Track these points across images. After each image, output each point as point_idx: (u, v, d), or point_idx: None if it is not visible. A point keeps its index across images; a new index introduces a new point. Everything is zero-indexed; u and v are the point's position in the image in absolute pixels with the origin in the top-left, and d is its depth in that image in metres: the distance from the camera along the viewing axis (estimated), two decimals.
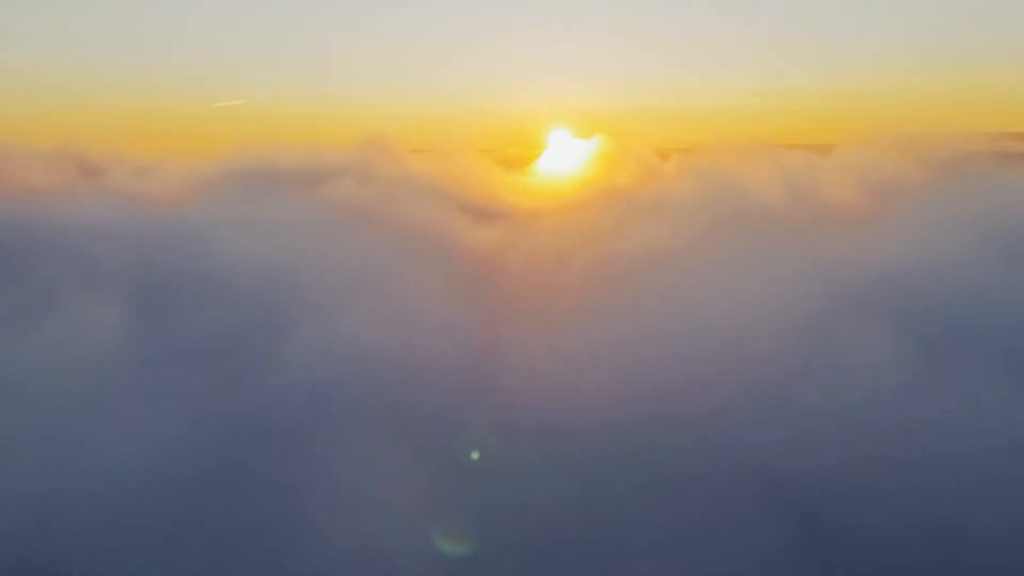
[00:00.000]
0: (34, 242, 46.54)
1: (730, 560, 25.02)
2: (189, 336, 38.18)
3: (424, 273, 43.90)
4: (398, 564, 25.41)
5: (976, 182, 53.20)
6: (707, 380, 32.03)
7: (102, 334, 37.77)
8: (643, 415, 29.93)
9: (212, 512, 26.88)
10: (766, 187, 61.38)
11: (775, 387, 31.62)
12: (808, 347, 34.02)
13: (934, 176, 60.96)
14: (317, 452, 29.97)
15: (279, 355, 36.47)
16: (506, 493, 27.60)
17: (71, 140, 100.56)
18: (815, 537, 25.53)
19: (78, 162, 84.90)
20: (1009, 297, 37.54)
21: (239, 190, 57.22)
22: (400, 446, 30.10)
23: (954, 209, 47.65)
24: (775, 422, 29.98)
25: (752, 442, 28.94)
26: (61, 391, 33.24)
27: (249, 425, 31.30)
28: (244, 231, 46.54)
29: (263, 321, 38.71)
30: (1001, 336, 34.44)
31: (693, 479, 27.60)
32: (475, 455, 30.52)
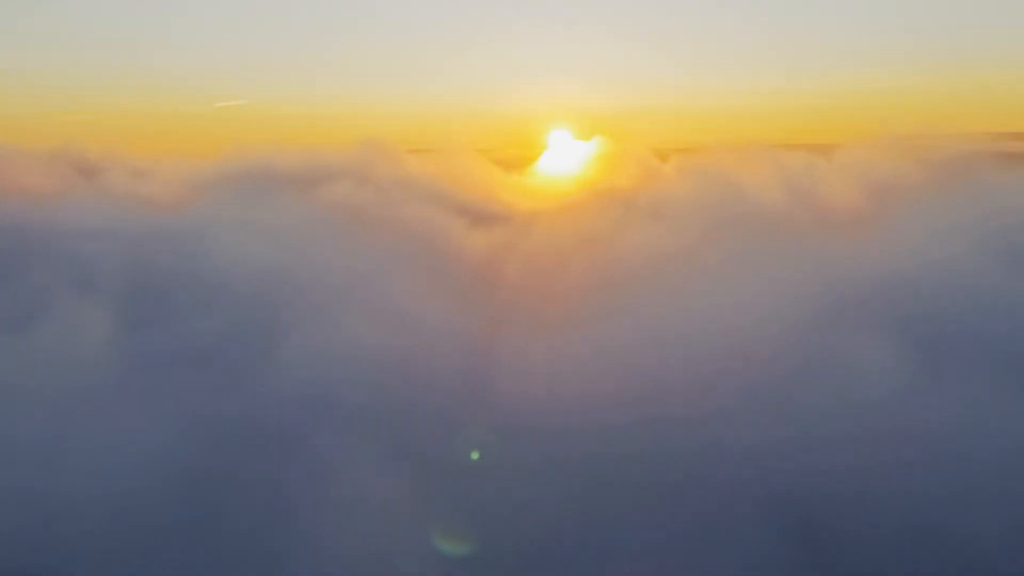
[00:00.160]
0: (30, 244, 46.42)
1: (728, 563, 24.95)
2: (185, 339, 38.09)
3: (422, 276, 43.83)
4: (397, 566, 25.31)
5: (977, 183, 53.15)
6: (707, 383, 31.96)
7: (97, 337, 37.63)
8: (643, 418, 29.79)
9: (209, 516, 26.79)
10: (766, 188, 61.31)
11: (776, 390, 31.52)
12: (809, 349, 33.90)
13: (935, 177, 60.89)
14: (315, 455, 29.89)
15: (276, 358, 36.38)
16: (505, 495, 27.51)
17: (70, 141, 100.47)
18: (814, 541, 25.44)
19: (76, 163, 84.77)
20: (1011, 299, 37.41)
21: (237, 192, 57.08)
22: (398, 449, 30.09)
23: (956, 211, 47.57)
24: (775, 425, 29.88)
25: (752, 445, 28.82)
26: (56, 394, 33.16)
27: (247, 427, 31.16)
28: (241, 233, 46.41)
29: (260, 324, 38.61)
30: (1003, 339, 34.32)
31: (692, 482, 27.51)
32: (475, 455, 30.51)
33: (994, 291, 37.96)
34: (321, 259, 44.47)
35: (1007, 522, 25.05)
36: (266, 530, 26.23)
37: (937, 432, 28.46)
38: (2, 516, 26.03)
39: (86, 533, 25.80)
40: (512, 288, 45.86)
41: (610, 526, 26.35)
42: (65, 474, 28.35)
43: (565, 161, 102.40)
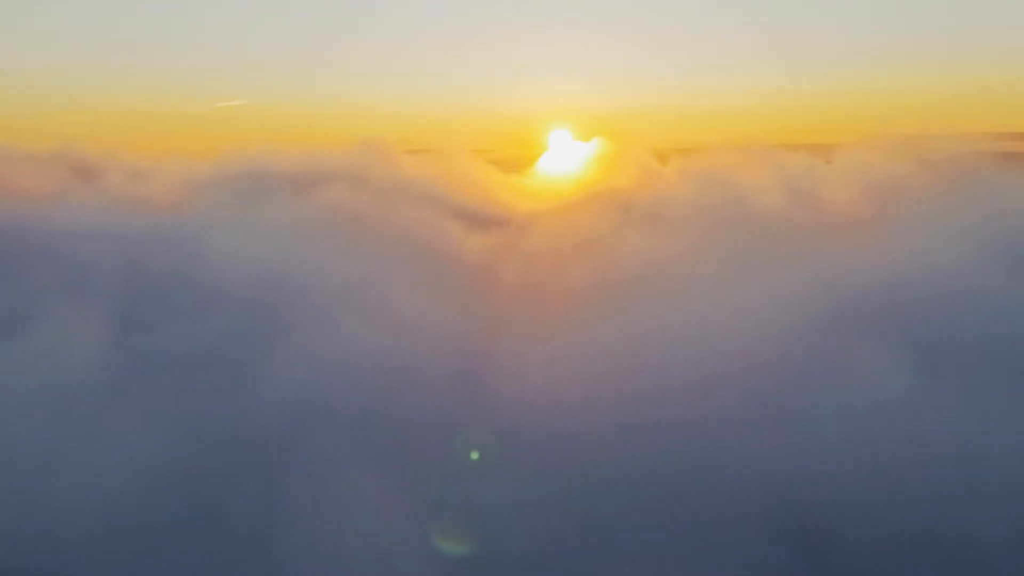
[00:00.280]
0: (26, 246, 46.29)
1: (727, 566, 25.01)
2: (180, 342, 37.92)
3: (420, 278, 43.71)
4: (395, 569, 25.39)
5: (978, 183, 53.01)
6: (707, 386, 31.82)
7: (93, 339, 37.49)
8: (642, 421, 29.68)
9: (207, 518, 26.76)
10: (766, 190, 61.20)
11: (776, 394, 31.39)
12: (809, 352, 33.74)
13: (936, 178, 60.85)
14: (313, 458, 29.79)
15: (273, 361, 36.22)
16: (503, 499, 27.48)
17: (69, 141, 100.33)
18: (813, 545, 25.45)
19: (75, 164, 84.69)
20: (1012, 301, 37.23)
21: (234, 194, 56.96)
22: (396, 452, 30.05)
23: (956, 212, 47.45)
24: (775, 429, 29.76)
25: (752, 448, 28.72)
26: (54, 396, 33.09)
27: (244, 430, 31.06)
28: (238, 236, 46.28)
29: (256, 328, 38.47)
30: (1005, 341, 34.13)
31: (691, 485, 27.42)
32: (474, 455, 30.55)
33: (995, 293, 37.78)
34: (319, 262, 44.34)
35: (1009, 526, 24.94)
36: (263, 533, 26.18)
37: (938, 436, 28.34)
38: None
39: (79, 537, 25.75)
40: (511, 291, 45.78)
41: (609, 530, 26.33)
42: (59, 477, 28.22)
43: (565, 162, 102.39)
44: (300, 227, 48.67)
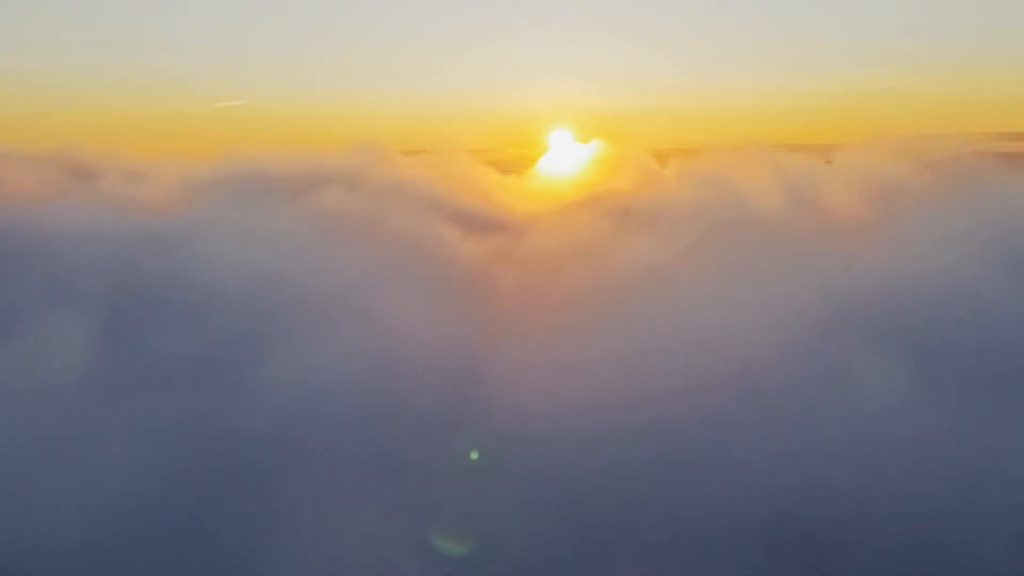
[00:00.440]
0: (20, 248, 46.08)
1: (724, 571, 24.96)
2: (173, 346, 37.70)
3: (417, 283, 43.55)
4: (394, 571, 25.40)
5: (979, 184, 52.85)
6: (707, 390, 31.67)
7: (86, 343, 37.29)
8: (642, 425, 29.60)
9: (204, 520, 26.89)
10: (766, 192, 60.99)
11: (776, 399, 31.20)
12: (809, 355, 33.55)
13: (936, 178, 60.80)
14: (309, 462, 29.76)
15: (268, 366, 36.06)
16: (501, 503, 27.55)
17: (67, 142, 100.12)
18: (811, 551, 25.42)
19: (72, 165, 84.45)
20: (1013, 304, 36.99)
21: (230, 197, 56.77)
22: (393, 458, 29.93)
23: (956, 213, 47.29)
24: (775, 434, 29.64)
25: (751, 453, 28.63)
26: (41, 401, 33.02)
27: (240, 433, 31.08)
28: (233, 239, 46.11)
29: (251, 331, 38.32)
30: (1006, 345, 33.91)
31: (690, 489, 27.37)
32: (474, 455, 30.49)
33: (995, 295, 37.58)
34: (316, 265, 44.18)
35: (1010, 533, 24.71)
36: (261, 536, 26.21)
37: (939, 441, 28.16)
38: None
39: (72, 539, 25.63)
40: (509, 294, 45.66)
41: (607, 535, 26.32)
42: (55, 478, 28.21)
43: (564, 163, 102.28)
44: (297, 230, 48.54)
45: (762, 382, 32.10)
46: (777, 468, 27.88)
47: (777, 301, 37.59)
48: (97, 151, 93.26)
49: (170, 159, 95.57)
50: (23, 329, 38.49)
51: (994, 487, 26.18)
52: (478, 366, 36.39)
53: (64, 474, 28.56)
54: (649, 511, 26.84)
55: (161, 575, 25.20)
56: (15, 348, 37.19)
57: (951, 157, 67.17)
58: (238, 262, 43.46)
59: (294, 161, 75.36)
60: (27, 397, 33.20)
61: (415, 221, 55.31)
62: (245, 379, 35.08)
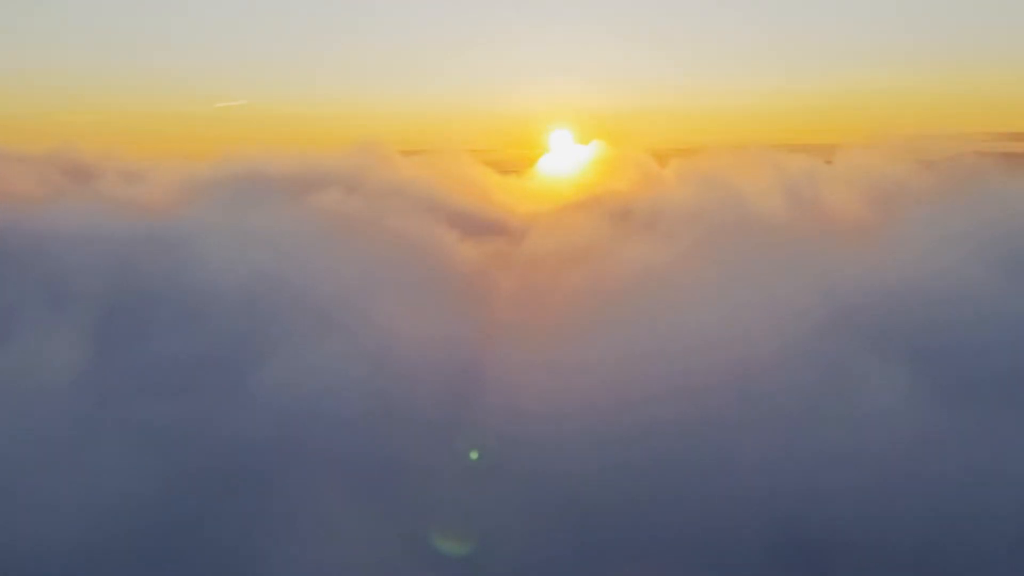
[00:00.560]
0: (17, 249, 45.94)
1: (723, 572, 24.84)
2: (170, 348, 37.57)
3: (416, 285, 43.41)
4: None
5: (979, 185, 52.76)
6: (707, 393, 31.50)
7: (82, 345, 37.19)
8: (642, 428, 29.45)
9: (202, 521, 26.75)
10: (766, 193, 60.85)
11: (776, 402, 31.06)
12: (809, 357, 33.41)
13: (936, 179, 60.75)
14: (306, 465, 29.56)
15: (265, 367, 35.92)
16: (499, 507, 27.37)
17: (65, 143, 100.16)
18: (810, 554, 25.28)
19: (71, 165, 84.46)
20: (1014, 306, 36.85)
21: (228, 198, 56.61)
22: (390, 460, 29.76)
23: (957, 213, 47.17)
24: (775, 438, 29.47)
25: (750, 456, 28.43)
26: (37, 403, 32.91)
27: (236, 435, 31.02)
28: (231, 241, 45.96)
29: (248, 333, 38.18)
30: (1007, 346, 33.76)
31: (689, 492, 27.18)
32: (474, 455, 30.38)
33: (996, 296, 37.46)
34: (314, 267, 44.02)
35: (1012, 536, 24.61)
36: (259, 537, 26.08)
37: (939, 442, 28.03)
38: None
39: (66, 540, 25.43)
40: (508, 297, 45.54)
41: (605, 538, 26.16)
42: (51, 480, 28.06)
43: (563, 164, 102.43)
44: (296, 231, 48.38)
45: (762, 383, 31.95)
46: (777, 470, 27.75)
47: (777, 302, 37.45)
48: (96, 151, 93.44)
49: (170, 159, 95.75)
50: (21, 330, 38.39)
51: (996, 489, 26.03)
52: (477, 367, 36.25)
53: (62, 475, 28.47)
54: (649, 513, 26.72)
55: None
56: (13, 349, 37.10)
57: (951, 157, 67.22)
58: (237, 263, 43.33)
59: (293, 162, 75.38)
60: (25, 398, 33.11)
61: (414, 222, 55.18)
62: (244, 380, 34.99)
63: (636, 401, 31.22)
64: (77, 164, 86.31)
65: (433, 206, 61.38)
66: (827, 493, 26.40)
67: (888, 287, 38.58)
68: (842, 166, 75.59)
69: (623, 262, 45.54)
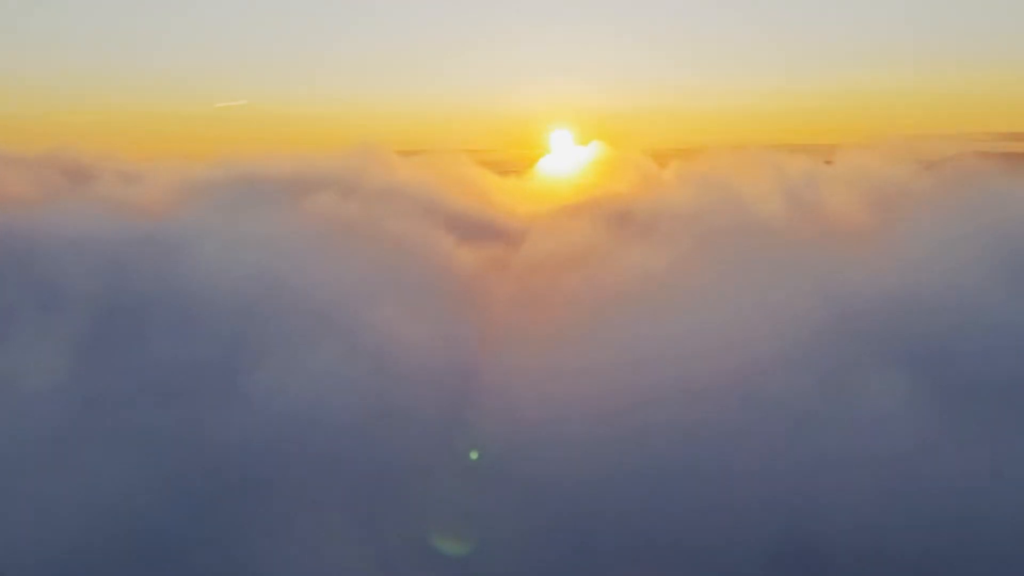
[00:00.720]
0: (13, 251, 45.78)
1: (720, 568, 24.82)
2: (166, 350, 37.43)
3: (413, 287, 43.36)
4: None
5: (979, 185, 52.58)
6: (706, 397, 31.39)
7: (77, 347, 37.04)
8: (641, 434, 29.41)
9: (201, 521, 26.80)
10: (766, 194, 60.70)
11: (776, 405, 30.91)
12: (809, 360, 33.26)
13: (936, 179, 60.59)
14: (304, 467, 29.60)
15: (261, 370, 35.76)
16: (498, 509, 27.39)
17: (64, 143, 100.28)
18: (810, 557, 25.24)
19: (69, 166, 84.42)
20: (1015, 308, 36.67)
21: (225, 200, 56.53)
22: (388, 463, 29.77)
23: (958, 214, 46.98)
24: (775, 442, 29.34)
25: (750, 461, 28.35)
26: (33, 404, 32.80)
27: (232, 438, 30.96)
28: (228, 244, 45.85)
29: (244, 336, 38.05)
30: (1007, 350, 33.58)
31: (687, 497, 27.17)
32: (473, 455, 30.34)
33: (997, 299, 37.26)
34: (311, 270, 43.90)
35: (1011, 541, 24.47)
36: (257, 539, 26.24)
37: (938, 447, 27.87)
38: None
39: (60, 542, 25.46)
40: (507, 300, 45.45)
41: (603, 541, 26.22)
42: (48, 480, 28.08)
43: (563, 165, 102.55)
44: (292, 234, 48.27)
45: (762, 386, 31.81)
46: (776, 475, 27.63)
47: (777, 304, 37.31)
48: (94, 152, 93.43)
49: (168, 160, 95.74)
50: (18, 331, 38.24)
51: (996, 494, 25.87)
52: (475, 370, 36.20)
53: (57, 478, 28.38)
54: (648, 518, 26.69)
55: None
56: (10, 350, 36.97)
57: (952, 157, 67.19)
58: (234, 265, 43.23)
59: (291, 163, 75.23)
60: (21, 400, 32.98)
61: (412, 224, 55.09)
62: (241, 382, 34.88)
63: (635, 404, 31.10)
64: (75, 165, 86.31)
65: (431, 208, 61.31)
66: (827, 497, 26.26)
67: (888, 289, 38.40)
68: (842, 166, 75.56)
69: (622, 264, 45.43)
